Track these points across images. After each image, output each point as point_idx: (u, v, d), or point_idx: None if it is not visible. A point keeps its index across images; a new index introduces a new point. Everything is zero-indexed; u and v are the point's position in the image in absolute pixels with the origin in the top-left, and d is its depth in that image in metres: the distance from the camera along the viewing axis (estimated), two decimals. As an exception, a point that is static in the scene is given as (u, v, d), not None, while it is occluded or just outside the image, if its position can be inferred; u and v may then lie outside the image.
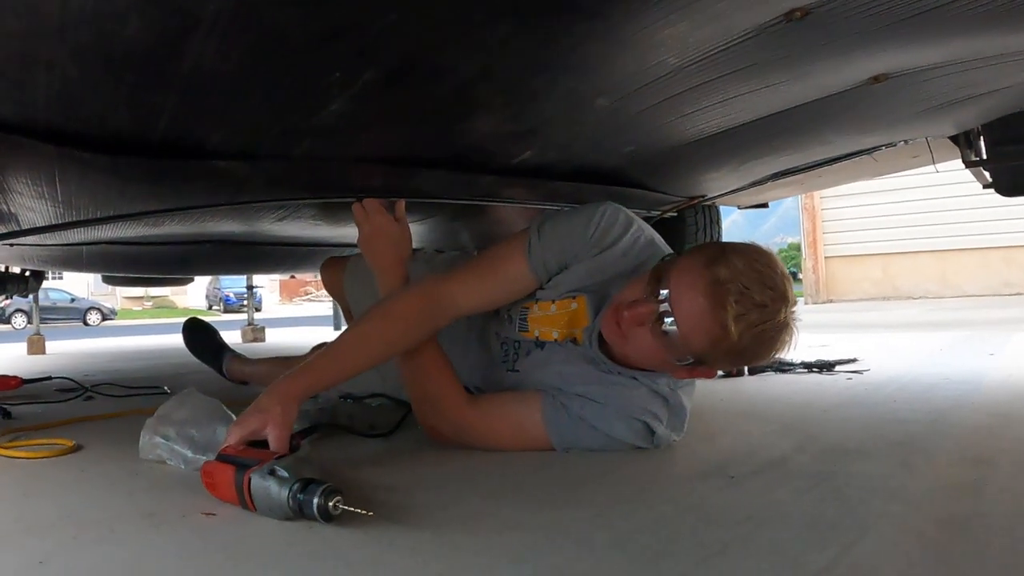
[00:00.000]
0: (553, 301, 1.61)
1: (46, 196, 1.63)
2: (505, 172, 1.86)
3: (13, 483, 1.38)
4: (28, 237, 2.27)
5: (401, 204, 1.72)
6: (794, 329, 1.36)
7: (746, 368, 2.68)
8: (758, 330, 1.31)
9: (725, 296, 1.28)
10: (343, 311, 2.66)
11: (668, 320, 1.34)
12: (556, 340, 1.60)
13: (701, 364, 1.39)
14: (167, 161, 1.43)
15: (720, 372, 2.66)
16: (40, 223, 1.98)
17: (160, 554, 0.99)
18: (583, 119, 1.52)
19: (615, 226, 1.56)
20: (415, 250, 1.80)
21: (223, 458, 1.20)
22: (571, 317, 1.59)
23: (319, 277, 2.77)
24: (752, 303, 1.29)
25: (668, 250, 1.60)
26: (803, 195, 11.67)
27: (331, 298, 2.65)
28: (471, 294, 1.57)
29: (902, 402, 2.02)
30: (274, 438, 1.25)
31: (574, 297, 1.58)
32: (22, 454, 1.59)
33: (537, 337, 1.63)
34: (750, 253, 1.35)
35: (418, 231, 2.70)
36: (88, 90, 1.13)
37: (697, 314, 1.31)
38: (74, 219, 1.86)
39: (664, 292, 1.35)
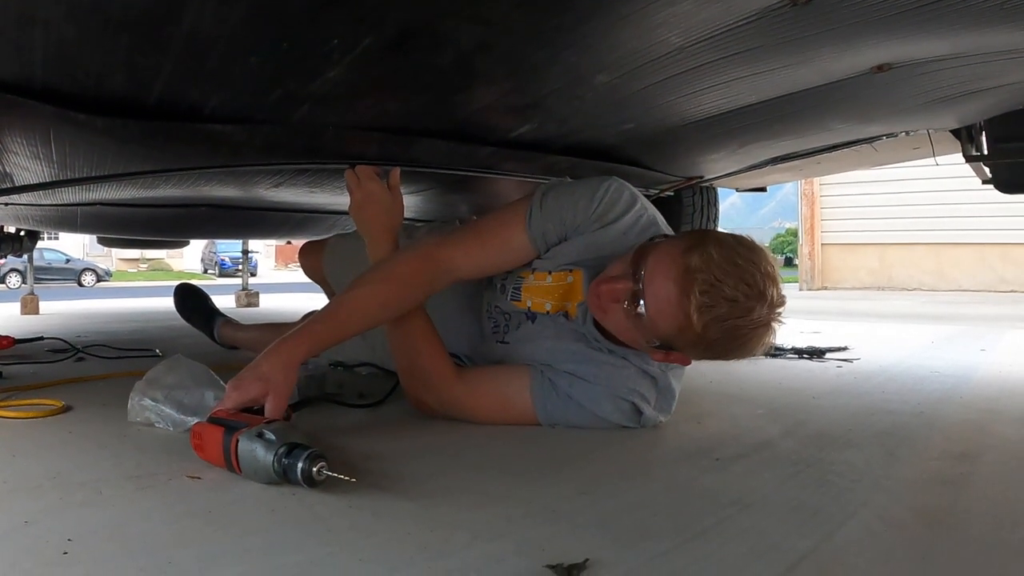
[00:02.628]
0: (549, 272, 1.61)
1: (41, 156, 1.62)
2: (504, 144, 1.85)
3: (1, 443, 1.38)
4: (23, 197, 2.25)
5: (396, 172, 1.70)
6: (772, 329, 1.34)
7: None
8: (728, 325, 1.29)
9: (691, 285, 1.28)
10: (326, 294, 2.67)
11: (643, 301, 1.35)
12: (548, 312, 1.60)
13: (670, 349, 1.39)
14: (163, 123, 1.42)
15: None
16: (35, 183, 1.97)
17: (144, 517, 0.99)
18: (583, 94, 1.51)
19: (619, 203, 1.55)
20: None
21: (213, 420, 1.21)
22: (566, 290, 1.59)
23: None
24: (721, 296, 1.27)
25: (669, 231, 1.59)
26: (802, 181, 11.65)
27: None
28: (469, 259, 1.56)
29: (891, 393, 2.03)
30: (273, 407, 1.25)
31: (571, 271, 1.58)
32: (11, 414, 1.59)
33: (529, 308, 1.63)
34: (733, 245, 1.33)
35: (415, 202, 2.70)
36: (85, 51, 1.12)
37: (664, 299, 1.31)
38: (69, 177, 1.85)
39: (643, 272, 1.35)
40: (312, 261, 2.52)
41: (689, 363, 1.47)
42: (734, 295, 1.28)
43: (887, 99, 1.73)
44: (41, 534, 0.92)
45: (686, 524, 0.98)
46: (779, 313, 1.34)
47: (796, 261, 12.54)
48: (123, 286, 21.68)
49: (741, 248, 1.33)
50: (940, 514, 1.05)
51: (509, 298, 1.67)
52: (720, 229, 2.41)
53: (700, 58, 1.31)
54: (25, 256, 4.95)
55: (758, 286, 1.29)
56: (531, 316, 1.63)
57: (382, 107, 1.52)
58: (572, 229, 1.57)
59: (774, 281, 1.32)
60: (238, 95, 1.38)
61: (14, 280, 20.46)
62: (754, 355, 1.36)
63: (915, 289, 10.94)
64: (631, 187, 1.60)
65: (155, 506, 1.03)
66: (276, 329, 2.56)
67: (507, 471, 1.24)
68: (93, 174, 1.80)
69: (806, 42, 1.26)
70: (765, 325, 1.32)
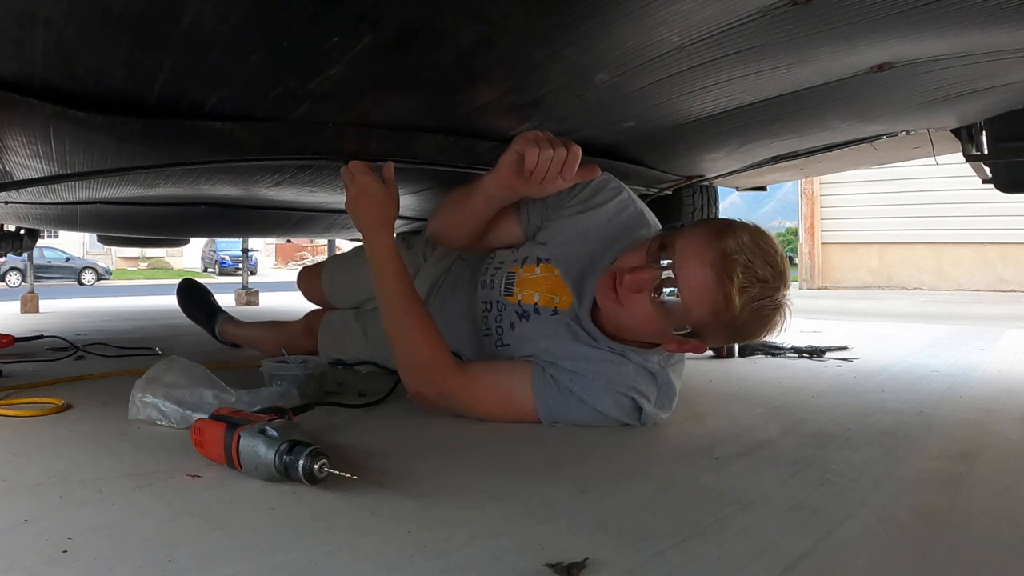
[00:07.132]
0: (538, 264, 1.65)
1: (41, 154, 1.62)
2: (504, 142, 1.85)
3: (1, 441, 1.38)
4: (23, 195, 2.25)
5: (389, 166, 1.70)
6: (787, 311, 1.39)
7: (736, 349, 2.69)
8: (758, 305, 1.34)
9: (732, 267, 1.32)
10: None
11: (667, 290, 1.37)
12: (537, 303, 1.63)
13: (696, 336, 1.41)
14: (163, 121, 1.42)
15: (710, 352, 2.69)
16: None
17: (144, 515, 0.99)
18: (583, 93, 1.51)
19: (605, 189, 1.65)
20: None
21: (215, 417, 1.22)
22: (553, 283, 1.62)
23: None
24: (755, 277, 1.32)
25: (658, 224, 1.66)
26: (802, 180, 11.66)
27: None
28: None
29: (891, 392, 2.03)
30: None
31: (547, 264, 1.65)
32: (11, 413, 1.59)
33: (520, 301, 1.65)
34: (754, 230, 1.39)
35: (415, 201, 2.69)
36: (85, 48, 1.12)
37: (703, 284, 1.34)
38: (69, 172, 1.84)
39: (665, 261, 1.38)
40: (311, 284, 2.51)
41: (703, 350, 1.49)
42: (764, 276, 1.34)
43: (887, 98, 1.73)
44: (41, 532, 0.92)
45: (685, 523, 0.98)
46: (788, 294, 1.40)
47: (796, 260, 12.53)
48: (123, 284, 21.69)
49: (759, 231, 1.40)
50: (939, 513, 1.05)
51: (502, 293, 1.69)
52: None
53: (700, 57, 1.31)
54: (25, 254, 4.95)
55: (779, 267, 1.36)
56: (523, 314, 1.63)
57: (383, 105, 1.53)
58: (554, 208, 1.67)
59: (787, 263, 1.40)
60: (238, 92, 1.38)
61: (14, 278, 20.46)
62: (770, 336, 1.41)
63: (915, 288, 10.94)
64: (620, 181, 1.68)
65: (155, 504, 1.03)
66: (277, 327, 2.57)
67: (507, 470, 1.24)
68: (93, 171, 1.80)
69: (806, 41, 1.26)
70: (783, 306, 1.38)
